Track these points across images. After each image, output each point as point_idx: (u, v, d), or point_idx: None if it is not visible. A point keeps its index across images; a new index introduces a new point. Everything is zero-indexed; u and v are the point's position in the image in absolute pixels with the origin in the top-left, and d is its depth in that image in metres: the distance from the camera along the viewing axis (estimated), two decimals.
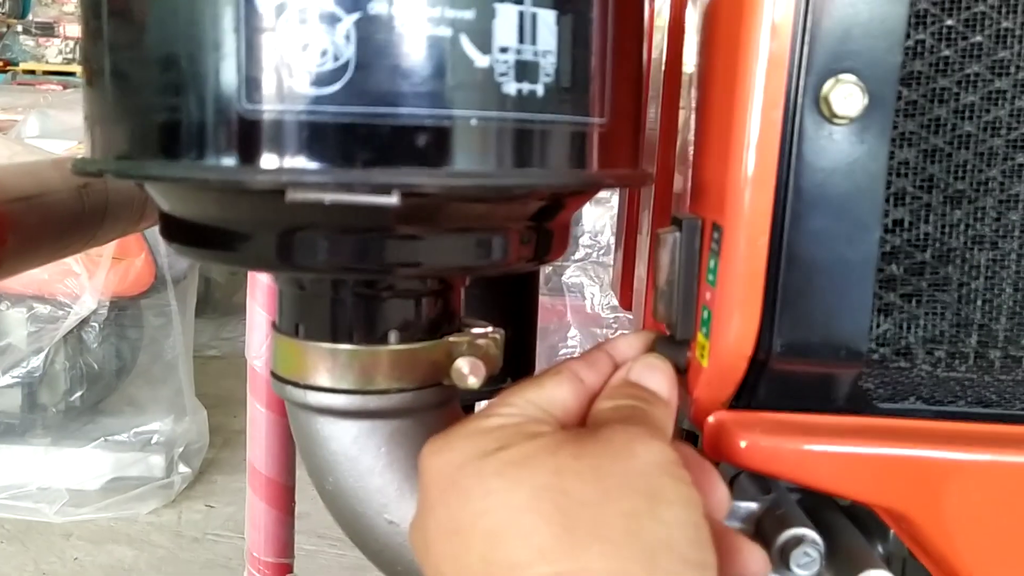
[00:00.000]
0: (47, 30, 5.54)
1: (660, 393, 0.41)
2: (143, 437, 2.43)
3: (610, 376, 0.42)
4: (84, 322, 2.34)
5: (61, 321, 2.27)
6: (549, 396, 0.39)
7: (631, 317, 0.75)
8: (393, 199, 0.35)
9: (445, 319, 0.46)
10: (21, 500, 2.30)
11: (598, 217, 1.99)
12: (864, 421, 0.44)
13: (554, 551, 0.32)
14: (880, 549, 0.50)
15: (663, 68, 0.63)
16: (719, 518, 0.40)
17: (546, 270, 2.05)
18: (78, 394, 2.45)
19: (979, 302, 0.44)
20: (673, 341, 0.46)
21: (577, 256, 2.06)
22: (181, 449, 2.43)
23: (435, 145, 0.35)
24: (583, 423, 0.40)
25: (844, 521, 0.48)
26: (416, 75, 0.34)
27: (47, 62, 5.50)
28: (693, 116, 0.50)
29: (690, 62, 0.56)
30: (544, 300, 2.10)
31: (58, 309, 2.27)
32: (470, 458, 0.35)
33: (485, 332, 0.47)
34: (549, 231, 0.45)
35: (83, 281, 2.24)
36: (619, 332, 2.03)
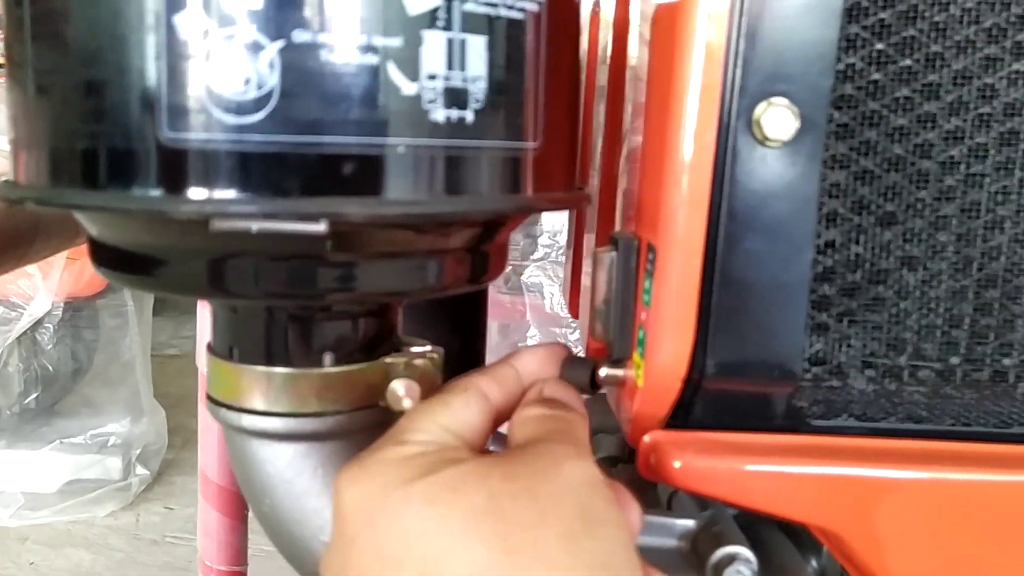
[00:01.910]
0: None
1: (576, 407, 0.41)
2: (100, 439, 2.41)
3: (516, 392, 0.43)
4: (38, 323, 2.30)
5: (14, 323, 2.23)
6: (459, 419, 0.39)
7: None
8: (321, 227, 0.34)
9: (382, 340, 0.46)
10: None
11: (557, 216, 1.99)
12: (798, 439, 0.45)
13: (494, 572, 0.32)
14: (814, 564, 0.50)
15: (608, 63, 0.63)
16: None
17: (506, 269, 2.05)
18: (33, 396, 2.42)
19: (909, 322, 0.44)
20: (577, 361, 0.46)
21: (536, 256, 2.07)
22: (139, 451, 2.41)
23: (363, 173, 0.35)
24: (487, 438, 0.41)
25: (780, 537, 0.48)
26: (342, 103, 0.34)
27: None
28: (633, 110, 0.50)
29: (634, 55, 0.55)
30: (504, 299, 2.10)
31: (11, 310, 2.23)
32: (394, 485, 0.35)
33: (423, 352, 0.47)
34: (485, 253, 0.45)
35: (37, 282, 2.21)
36: (576, 331, 2.04)
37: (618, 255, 0.45)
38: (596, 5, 0.69)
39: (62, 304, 2.30)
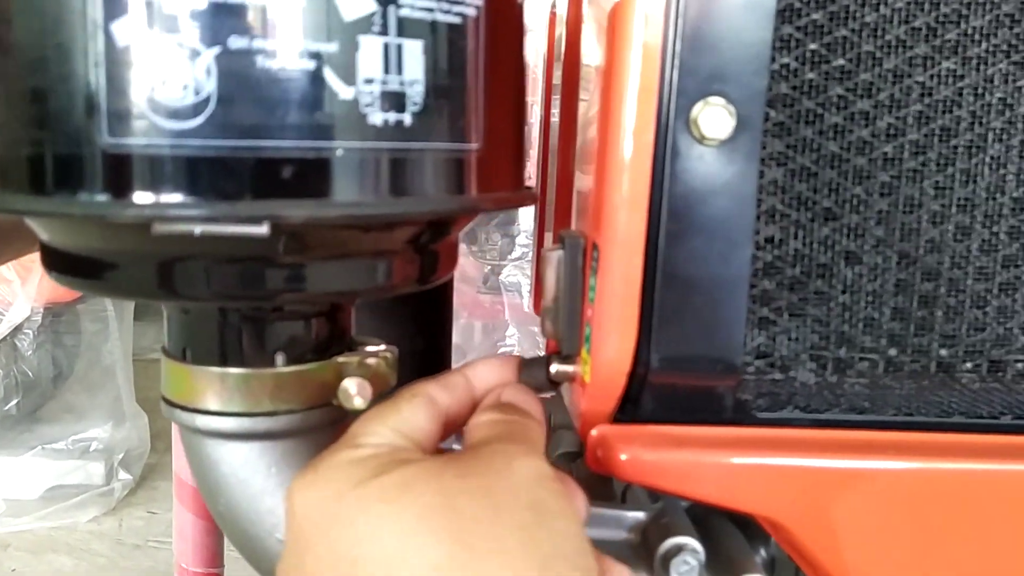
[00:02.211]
0: None
1: (533, 413, 0.42)
2: (82, 444, 2.40)
3: (465, 399, 0.44)
4: (18, 329, 2.29)
5: None
6: (409, 422, 0.40)
7: None
8: (263, 229, 0.35)
9: (334, 340, 0.47)
10: None
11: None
12: (743, 432, 0.45)
13: (452, 566, 0.33)
14: (763, 553, 0.51)
15: (563, 61, 0.64)
16: None
17: (484, 269, 2.07)
18: (13, 402, 2.41)
19: (850, 315, 0.45)
20: (534, 361, 0.47)
21: (514, 255, 2.08)
22: (121, 456, 2.40)
23: (303, 176, 0.36)
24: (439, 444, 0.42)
25: (729, 527, 0.49)
26: (279, 108, 0.35)
27: None
28: (584, 108, 0.51)
29: (588, 54, 0.56)
30: (484, 298, 2.11)
31: None
32: (347, 488, 0.35)
33: (376, 351, 0.47)
34: (434, 252, 0.45)
35: (16, 287, 2.21)
36: None
37: (565, 253, 0.46)
38: (553, 6, 0.70)
39: (42, 309, 2.29)
